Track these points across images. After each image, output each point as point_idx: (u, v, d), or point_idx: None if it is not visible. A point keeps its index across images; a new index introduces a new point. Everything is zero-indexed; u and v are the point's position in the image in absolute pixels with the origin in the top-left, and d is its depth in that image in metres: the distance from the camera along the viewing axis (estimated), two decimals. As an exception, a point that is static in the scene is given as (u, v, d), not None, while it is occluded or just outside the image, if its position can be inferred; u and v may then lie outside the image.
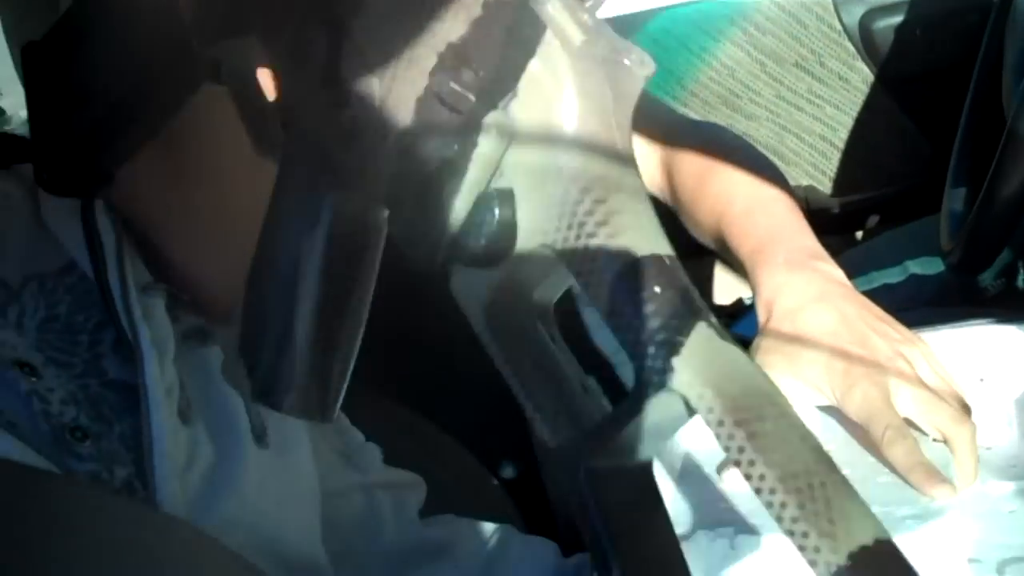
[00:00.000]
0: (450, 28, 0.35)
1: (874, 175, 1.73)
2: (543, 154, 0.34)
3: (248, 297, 0.44)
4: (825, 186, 1.74)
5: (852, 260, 1.35)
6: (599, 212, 0.33)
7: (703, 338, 0.32)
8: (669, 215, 1.01)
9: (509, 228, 0.35)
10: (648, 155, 1.01)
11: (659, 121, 1.05)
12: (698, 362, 0.31)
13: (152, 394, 0.61)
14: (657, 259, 0.33)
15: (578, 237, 0.33)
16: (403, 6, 0.37)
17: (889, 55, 1.68)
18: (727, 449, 0.31)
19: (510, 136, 0.35)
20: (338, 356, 0.43)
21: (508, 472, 1.15)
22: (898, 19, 1.67)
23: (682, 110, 1.69)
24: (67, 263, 0.66)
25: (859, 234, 1.81)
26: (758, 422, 0.30)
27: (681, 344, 0.31)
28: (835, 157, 1.72)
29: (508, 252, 0.36)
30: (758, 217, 0.88)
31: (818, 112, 1.72)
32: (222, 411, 0.67)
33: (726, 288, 1.67)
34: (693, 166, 0.97)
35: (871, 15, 1.68)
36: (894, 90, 1.71)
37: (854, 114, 1.72)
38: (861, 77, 1.71)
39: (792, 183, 1.63)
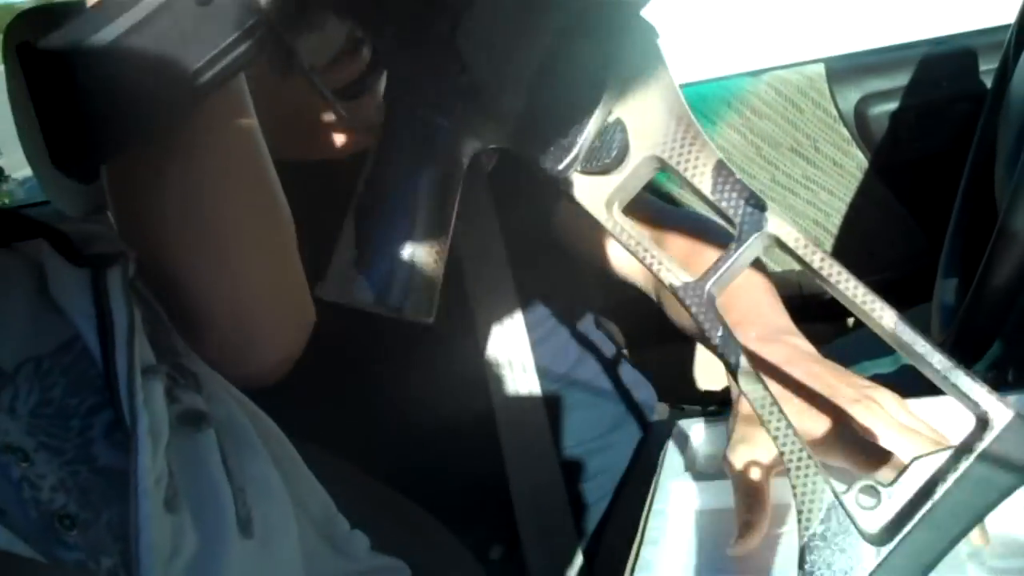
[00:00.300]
0: None
1: (867, 262, 1.74)
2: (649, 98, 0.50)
3: (361, 225, 0.52)
4: (818, 272, 1.73)
5: (843, 348, 1.35)
6: (689, 134, 0.49)
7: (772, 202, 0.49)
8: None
9: (627, 146, 0.50)
10: None
11: (647, 208, 1.08)
12: (778, 214, 0.48)
13: (142, 484, 0.60)
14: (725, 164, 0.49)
15: (680, 149, 0.49)
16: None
17: (883, 141, 1.70)
18: (811, 263, 0.48)
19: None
20: (440, 267, 0.53)
21: (495, 554, 1.14)
22: (893, 106, 1.69)
23: (677, 191, 1.70)
24: (66, 340, 0.65)
25: (850, 321, 1.80)
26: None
27: (765, 204, 0.48)
28: (828, 243, 1.73)
29: (626, 161, 0.50)
30: (735, 301, 0.89)
31: (812, 197, 1.74)
32: (209, 499, 0.67)
33: (718, 375, 1.67)
34: (677, 253, 1.00)
35: (866, 101, 1.70)
36: (888, 177, 1.72)
37: (848, 200, 1.74)
38: (856, 163, 1.72)
39: (784, 268, 1.64)
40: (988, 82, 1.59)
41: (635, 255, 0.51)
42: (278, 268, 0.75)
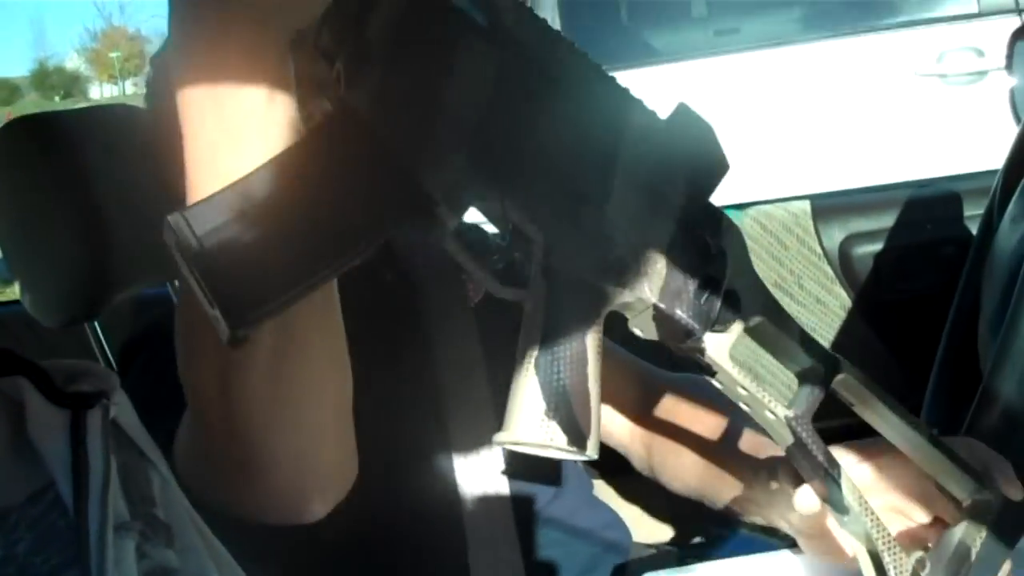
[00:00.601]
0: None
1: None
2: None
3: (544, 378, 0.56)
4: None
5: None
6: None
7: None
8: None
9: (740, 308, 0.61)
10: (621, 403, 1.09)
11: (636, 367, 1.10)
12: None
13: None
14: None
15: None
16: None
17: (867, 281, 1.71)
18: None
19: None
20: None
21: None
22: (877, 246, 1.70)
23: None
24: (38, 489, 0.63)
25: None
26: None
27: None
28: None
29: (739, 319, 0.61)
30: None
31: (794, 333, 1.74)
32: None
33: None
34: (681, 412, 1.03)
35: (850, 241, 1.71)
36: (870, 317, 1.73)
37: (830, 338, 1.74)
38: (839, 302, 1.73)
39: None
40: (973, 227, 1.61)
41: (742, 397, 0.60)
42: (341, 422, 0.75)
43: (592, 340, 0.57)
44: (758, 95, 2.64)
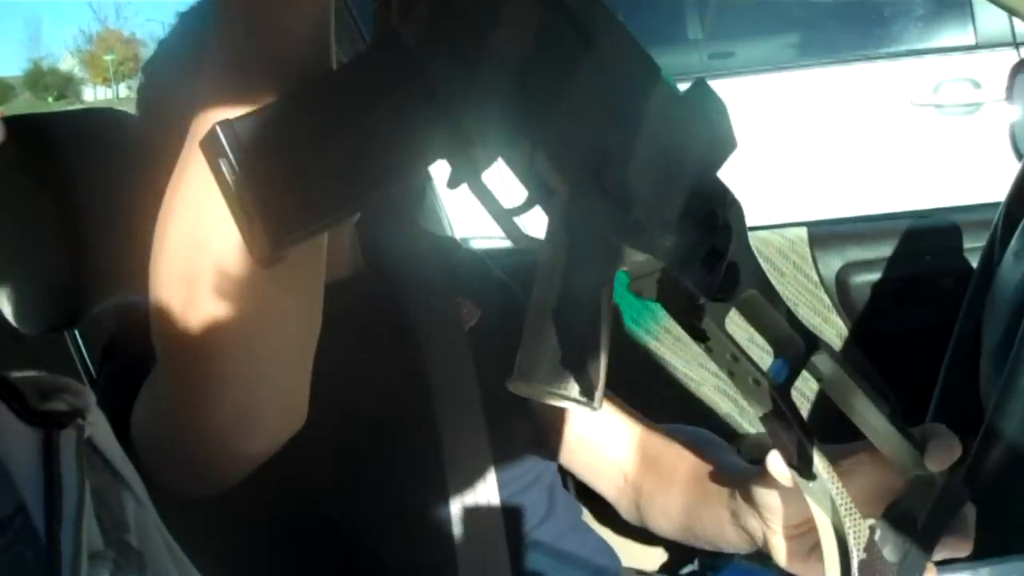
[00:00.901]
0: None
1: (841, 429, 1.71)
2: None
3: (562, 330, 0.58)
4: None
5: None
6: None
7: None
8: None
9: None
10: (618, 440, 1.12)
11: (630, 411, 1.12)
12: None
13: None
14: None
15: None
16: None
17: (864, 311, 1.69)
18: None
19: None
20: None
21: None
22: (875, 276, 1.68)
23: (654, 344, 1.68)
24: (7, 515, 0.60)
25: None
26: None
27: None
28: (805, 408, 1.70)
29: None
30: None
31: (790, 361, 1.72)
32: None
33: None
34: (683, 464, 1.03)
35: (848, 269, 1.69)
36: (867, 346, 1.71)
37: (825, 367, 1.72)
38: (835, 330, 1.71)
39: (758, 431, 1.60)
40: (972, 260, 1.59)
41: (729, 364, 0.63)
42: (299, 366, 0.74)
43: (605, 296, 0.60)
44: (754, 120, 2.63)
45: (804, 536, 0.81)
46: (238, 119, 0.55)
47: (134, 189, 1.08)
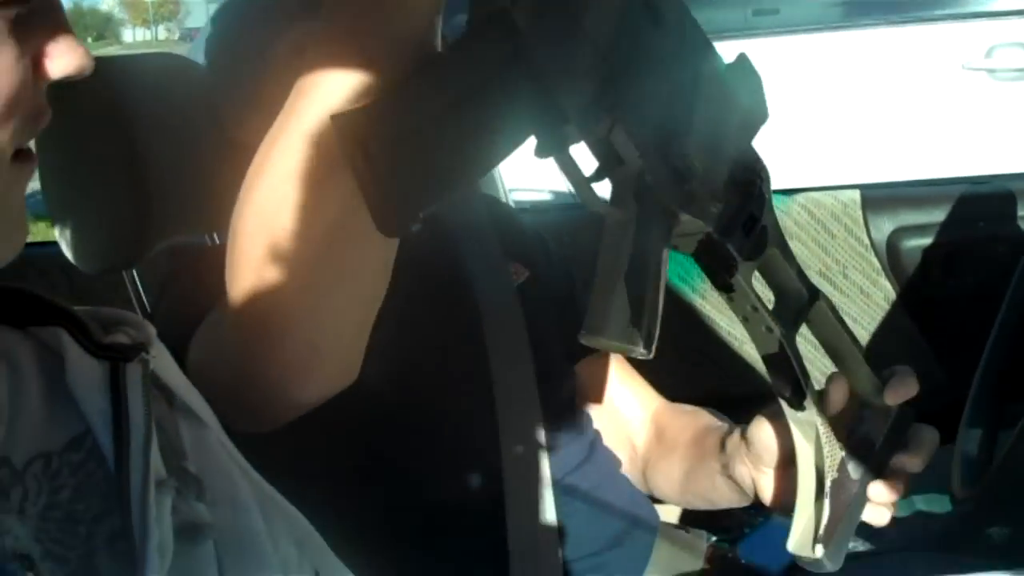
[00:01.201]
0: None
1: (884, 395, 1.70)
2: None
3: (632, 290, 0.64)
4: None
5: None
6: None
7: None
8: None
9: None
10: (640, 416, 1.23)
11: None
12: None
13: None
14: None
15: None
16: None
17: (914, 276, 1.67)
18: None
19: None
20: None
21: None
22: (927, 240, 1.66)
23: (700, 302, 1.68)
24: (77, 435, 0.61)
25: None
26: None
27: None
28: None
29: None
30: None
31: (836, 324, 1.71)
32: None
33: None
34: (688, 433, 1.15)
35: (899, 233, 1.68)
36: (914, 311, 1.69)
37: (871, 330, 1.71)
38: (883, 294, 1.69)
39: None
40: (1026, 228, 1.58)
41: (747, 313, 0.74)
42: (362, 322, 0.77)
43: (663, 257, 0.66)
44: (798, 80, 2.60)
45: (785, 475, 0.92)
46: (369, 107, 0.59)
47: (196, 132, 1.10)
